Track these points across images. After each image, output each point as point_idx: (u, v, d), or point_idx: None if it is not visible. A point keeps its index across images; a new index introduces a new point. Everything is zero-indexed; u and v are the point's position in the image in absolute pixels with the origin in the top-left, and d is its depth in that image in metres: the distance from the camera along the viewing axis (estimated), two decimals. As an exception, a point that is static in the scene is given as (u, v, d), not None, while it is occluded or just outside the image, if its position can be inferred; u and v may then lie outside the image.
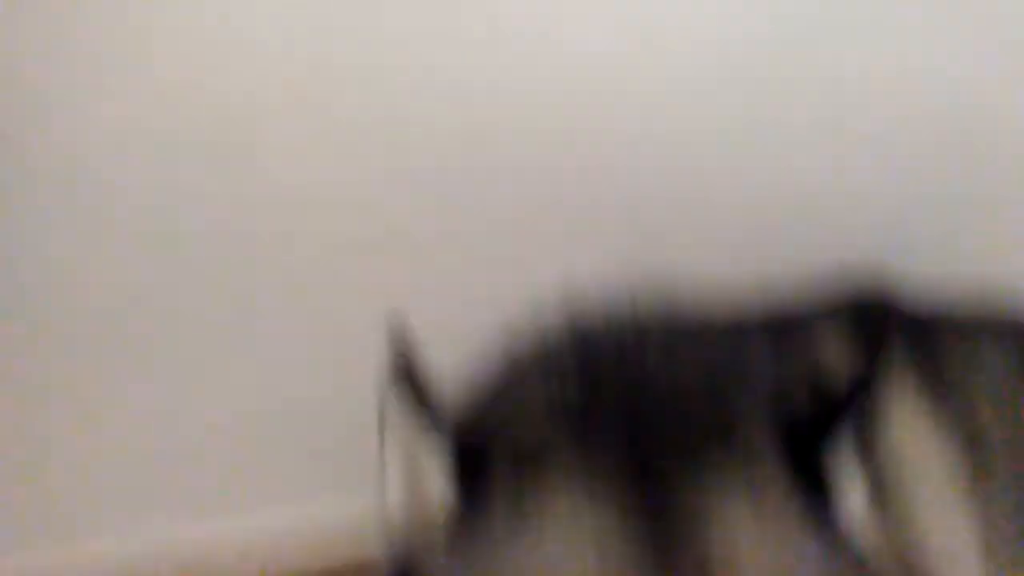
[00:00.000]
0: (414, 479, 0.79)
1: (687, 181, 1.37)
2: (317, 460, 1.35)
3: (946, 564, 0.97)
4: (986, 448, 1.06)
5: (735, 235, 1.37)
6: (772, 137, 1.37)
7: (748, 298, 1.08)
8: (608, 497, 0.73)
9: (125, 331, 1.28)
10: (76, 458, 1.32)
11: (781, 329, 1.02)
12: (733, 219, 1.38)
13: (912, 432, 1.04)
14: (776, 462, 0.76)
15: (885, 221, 1.41)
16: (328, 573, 1.36)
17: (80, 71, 1.20)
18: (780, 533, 0.73)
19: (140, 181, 1.24)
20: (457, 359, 0.88)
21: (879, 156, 1.40)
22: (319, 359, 1.33)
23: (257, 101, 1.23)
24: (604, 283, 0.96)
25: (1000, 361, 1.13)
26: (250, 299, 1.30)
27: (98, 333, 1.28)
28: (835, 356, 0.89)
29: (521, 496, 0.75)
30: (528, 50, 1.27)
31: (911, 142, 1.40)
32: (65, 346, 1.28)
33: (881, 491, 0.95)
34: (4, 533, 1.34)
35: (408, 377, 0.77)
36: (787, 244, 1.34)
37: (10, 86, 1.19)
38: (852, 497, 0.84)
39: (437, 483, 0.78)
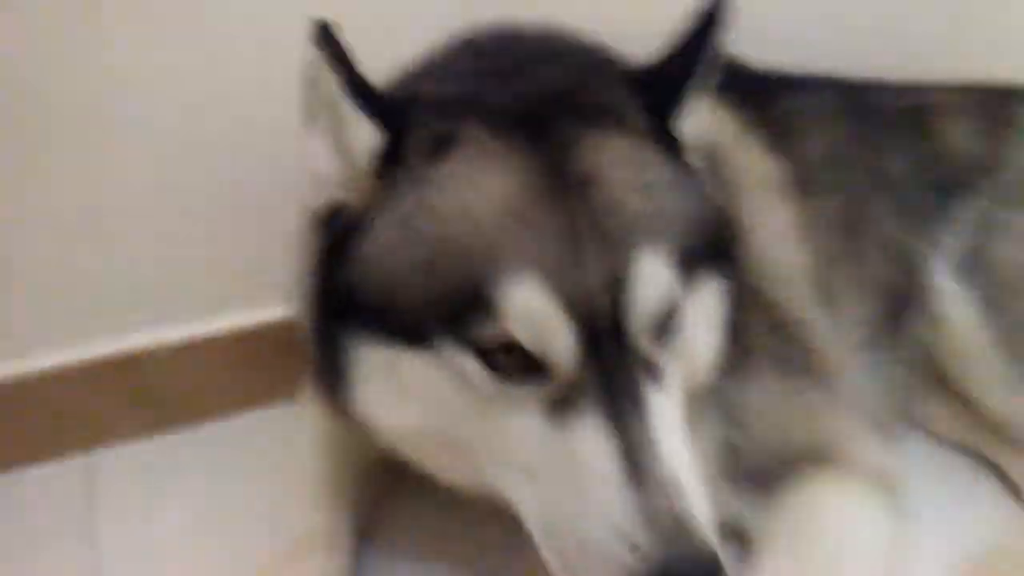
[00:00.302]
0: (339, 132, 0.93)
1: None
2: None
3: (770, 240, 1.21)
4: (809, 165, 1.30)
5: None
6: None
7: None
8: (511, 141, 0.90)
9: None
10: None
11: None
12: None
13: (746, 151, 1.26)
14: (638, 122, 0.96)
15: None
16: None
17: None
18: (642, 161, 0.93)
19: None
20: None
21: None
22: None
23: None
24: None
25: (821, 103, 1.37)
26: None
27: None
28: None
29: (438, 144, 0.91)
30: None
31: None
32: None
33: (721, 193, 1.17)
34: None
35: (332, 39, 0.88)
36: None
37: None
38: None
39: (361, 137, 0.92)
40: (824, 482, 1.10)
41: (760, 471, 1.12)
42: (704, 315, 0.99)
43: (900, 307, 1.31)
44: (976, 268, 1.26)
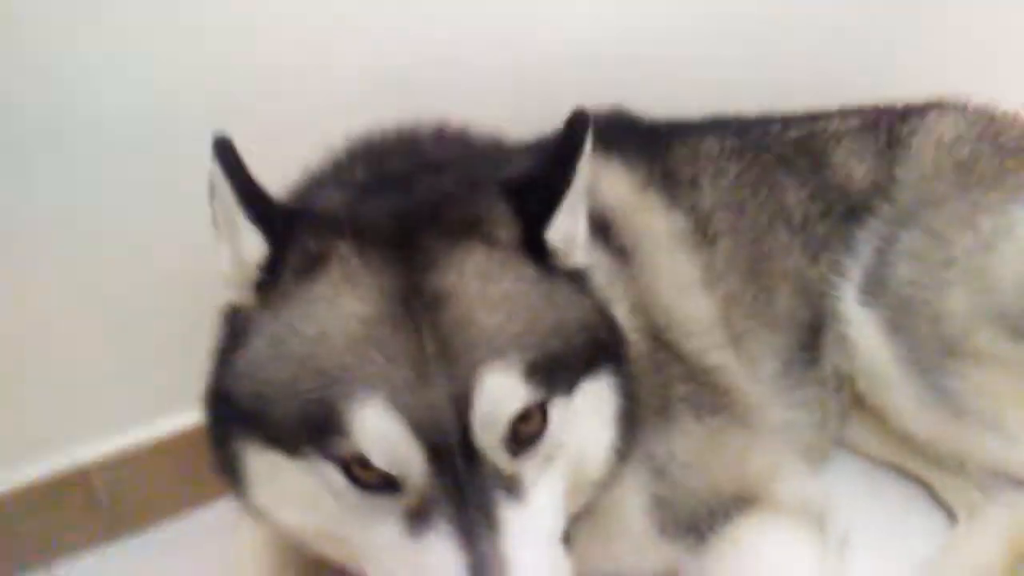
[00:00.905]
0: (235, 240, 0.97)
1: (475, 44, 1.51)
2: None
3: (676, 294, 1.24)
4: (706, 213, 1.34)
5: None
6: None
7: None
8: (374, 261, 0.94)
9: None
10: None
11: (532, 144, 1.24)
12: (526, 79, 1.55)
13: (643, 210, 1.30)
14: (507, 234, 0.98)
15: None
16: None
17: None
18: (502, 275, 0.95)
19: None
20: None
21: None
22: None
23: None
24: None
25: (712, 147, 1.41)
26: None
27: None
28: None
29: (310, 264, 0.95)
30: None
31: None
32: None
33: (621, 254, 1.21)
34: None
35: (229, 152, 0.93)
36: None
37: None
38: (597, 264, 1.09)
39: (249, 246, 0.96)
40: (753, 523, 1.14)
41: (691, 520, 1.15)
42: (590, 414, 1.00)
43: (814, 336, 1.36)
44: (876, 290, 1.30)
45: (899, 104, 1.51)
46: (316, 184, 1.12)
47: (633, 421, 1.04)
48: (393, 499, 0.90)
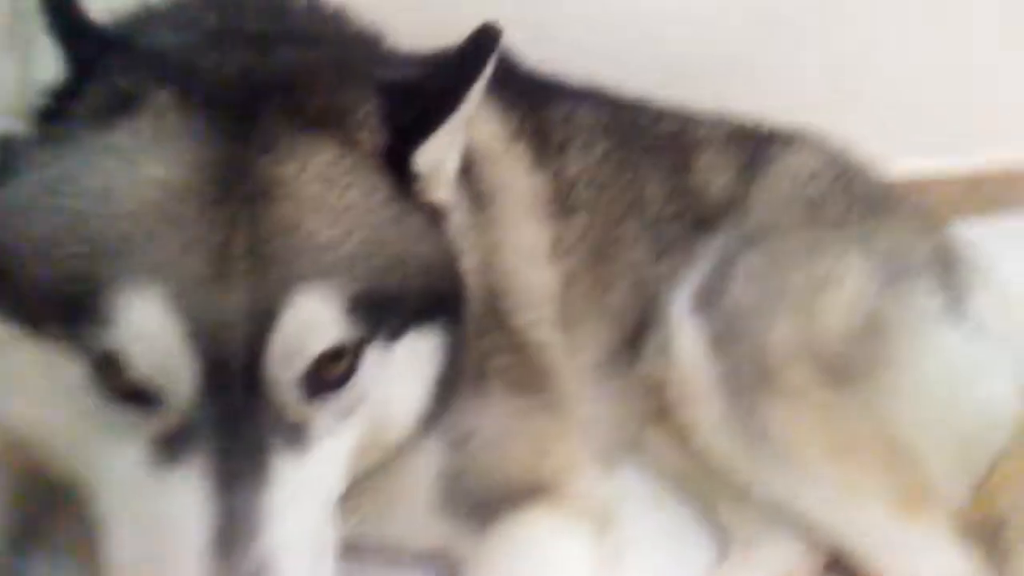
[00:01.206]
0: (27, 54, 0.79)
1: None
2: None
3: (519, 260, 1.16)
4: (569, 182, 1.26)
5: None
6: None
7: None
8: (199, 124, 0.77)
9: None
10: None
11: (415, 60, 1.10)
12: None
13: (510, 162, 1.20)
14: (368, 140, 0.84)
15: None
16: None
17: None
18: (348, 186, 0.81)
19: None
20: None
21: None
22: None
23: None
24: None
25: (588, 117, 1.33)
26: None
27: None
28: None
29: (117, 105, 0.78)
30: None
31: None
32: None
33: (475, 203, 1.10)
34: None
35: None
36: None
37: None
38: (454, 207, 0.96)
39: (46, 66, 0.79)
40: (536, 516, 1.07)
41: (476, 501, 1.07)
42: (408, 370, 0.87)
43: (637, 336, 1.31)
44: (708, 304, 1.27)
45: (767, 126, 1.49)
46: (151, 19, 0.92)
47: (451, 389, 0.93)
48: (145, 417, 0.73)
